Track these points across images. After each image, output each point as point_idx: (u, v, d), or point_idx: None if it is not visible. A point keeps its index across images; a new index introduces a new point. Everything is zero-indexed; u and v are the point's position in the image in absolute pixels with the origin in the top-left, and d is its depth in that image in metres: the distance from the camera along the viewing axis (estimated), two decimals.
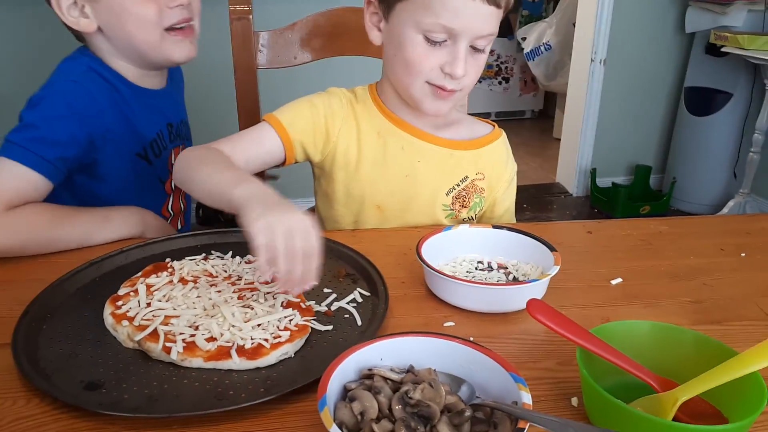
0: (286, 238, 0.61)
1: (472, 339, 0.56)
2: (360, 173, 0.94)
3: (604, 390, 0.47)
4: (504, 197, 1.02)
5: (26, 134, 0.87)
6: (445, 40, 0.83)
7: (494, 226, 0.78)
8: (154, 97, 1.03)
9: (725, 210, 2.85)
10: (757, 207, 2.93)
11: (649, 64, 3.20)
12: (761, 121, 2.91)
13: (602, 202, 3.10)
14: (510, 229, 0.77)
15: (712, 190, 3.07)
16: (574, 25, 3.49)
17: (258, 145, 0.91)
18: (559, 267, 0.67)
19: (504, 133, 1.03)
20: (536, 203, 3.17)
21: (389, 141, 0.95)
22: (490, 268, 0.76)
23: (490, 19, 0.82)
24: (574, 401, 0.54)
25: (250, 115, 1.20)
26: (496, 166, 1.00)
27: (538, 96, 4.81)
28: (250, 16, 1.17)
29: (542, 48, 4.10)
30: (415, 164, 0.94)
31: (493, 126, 1.03)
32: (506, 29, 4.62)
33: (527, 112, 4.87)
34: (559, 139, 3.64)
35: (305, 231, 0.63)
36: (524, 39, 4.27)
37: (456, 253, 0.77)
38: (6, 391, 0.55)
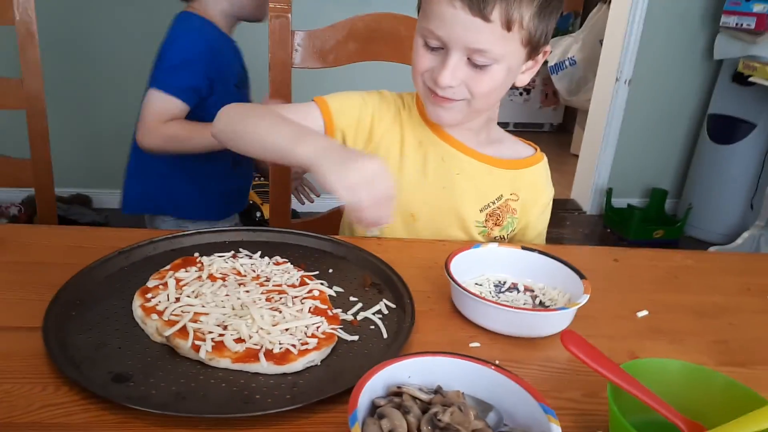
0: (368, 190, 0.69)
1: (497, 362, 0.56)
2: (399, 179, 0.93)
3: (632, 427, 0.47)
4: (537, 222, 1.02)
5: (166, 71, 1.31)
6: (441, 48, 0.83)
7: (524, 248, 0.78)
8: (233, 44, 1.46)
9: (739, 241, 2.84)
10: None
11: (674, 88, 3.19)
12: None
13: (615, 223, 3.09)
14: (539, 252, 0.77)
15: (728, 220, 3.05)
16: (600, 42, 3.49)
17: (301, 119, 0.89)
18: (588, 296, 0.67)
19: (545, 158, 1.03)
20: (551, 218, 3.16)
21: (430, 151, 0.95)
22: (516, 290, 0.76)
23: (483, 32, 0.79)
24: None
25: None
26: (532, 190, 1.00)
27: (558, 110, 4.80)
28: (289, 15, 1.18)
29: (567, 63, 4.09)
30: (453, 177, 0.95)
31: (536, 149, 1.03)
32: None
33: (546, 125, 4.87)
34: (576, 155, 3.63)
35: (382, 176, 0.70)
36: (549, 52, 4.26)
37: (483, 271, 0.77)
38: (36, 376, 0.56)
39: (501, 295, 0.75)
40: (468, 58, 0.82)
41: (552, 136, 4.76)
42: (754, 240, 2.85)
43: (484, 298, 0.66)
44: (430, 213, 0.95)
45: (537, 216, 1.02)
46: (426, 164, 0.95)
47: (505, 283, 0.77)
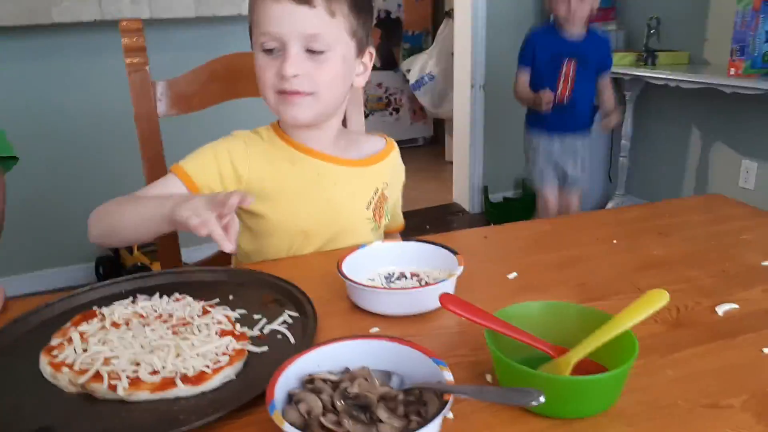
0: (204, 199, 0.79)
1: (390, 336, 0.63)
2: (281, 204, 0.99)
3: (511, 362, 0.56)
4: (395, 193, 1.14)
5: None
6: (278, 49, 0.91)
7: (404, 240, 0.87)
8: None
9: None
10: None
11: None
12: (626, 128, 3.25)
13: (496, 217, 3.30)
14: (418, 240, 0.86)
15: (592, 194, 3.36)
16: (452, 55, 3.75)
17: (165, 192, 0.95)
18: (463, 267, 0.77)
19: (394, 142, 1.14)
20: (437, 223, 3.32)
21: (304, 168, 1.01)
22: (405, 277, 0.84)
23: (311, 18, 0.89)
24: (488, 377, 0.63)
25: (154, 164, 1.22)
26: (394, 173, 1.12)
27: (428, 123, 5.05)
28: (147, 67, 1.21)
29: (426, 78, 4.34)
30: (332, 187, 1.02)
31: (385, 138, 1.14)
32: (391, 62, 4.85)
33: (419, 139, 5.10)
34: (451, 162, 3.85)
35: (216, 196, 0.79)
36: (409, 71, 4.50)
37: (373, 267, 0.85)
38: None
39: (391, 284, 0.83)
40: (306, 50, 0.91)
41: (426, 148, 5.00)
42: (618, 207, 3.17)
43: (374, 287, 0.74)
44: (322, 227, 1.01)
45: (397, 190, 1.14)
46: (304, 182, 1.01)
47: (393, 274, 0.85)
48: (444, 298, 0.63)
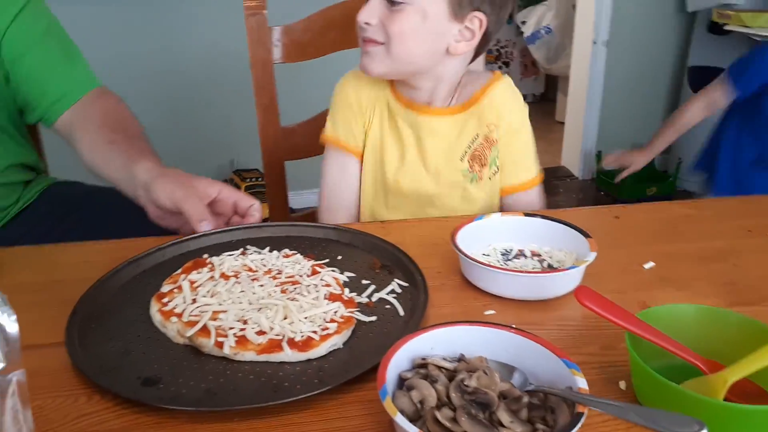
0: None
1: (513, 326, 0.58)
2: (384, 158, 1.02)
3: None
4: (519, 143, 1.00)
5: None
6: None
7: (526, 214, 0.79)
8: None
9: None
10: None
11: (651, 45, 3.20)
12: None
13: (608, 185, 3.11)
14: (542, 216, 0.78)
15: None
16: (574, 7, 3.49)
17: (348, 180, 1.05)
18: (596, 253, 0.69)
19: (506, 77, 1.00)
20: (543, 186, 3.17)
21: (399, 120, 1.00)
22: (524, 256, 0.77)
23: None
24: (622, 385, 0.55)
25: (268, 110, 1.21)
26: (505, 110, 0.97)
27: (539, 79, 4.81)
28: (265, 11, 1.18)
29: (542, 31, 4.10)
30: (425, 140, 0.99)
31: (491, 73, 1.00)
32: None
33: (529, 96, 4.87)
34: (563, 123, 3.65)
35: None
36: (524, 23, 4.26)
37: (489, 242, 0.79)
38: (66, 389, 0.57)
39: (509, 262, 0.76)
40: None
41: (536, 105, 4.77)
42: None
43: (494, 266, 0.67)
44: (413, 183, 1.00)
45: (510, 134, 0.99)
46: (401, 135, 1.00)
47: (511, 250, 0.78)
48: (581, 292, 0.55)
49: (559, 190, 3.18)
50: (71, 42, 1.08)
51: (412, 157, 1.00)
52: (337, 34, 1.24)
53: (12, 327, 0.41)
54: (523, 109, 1.00)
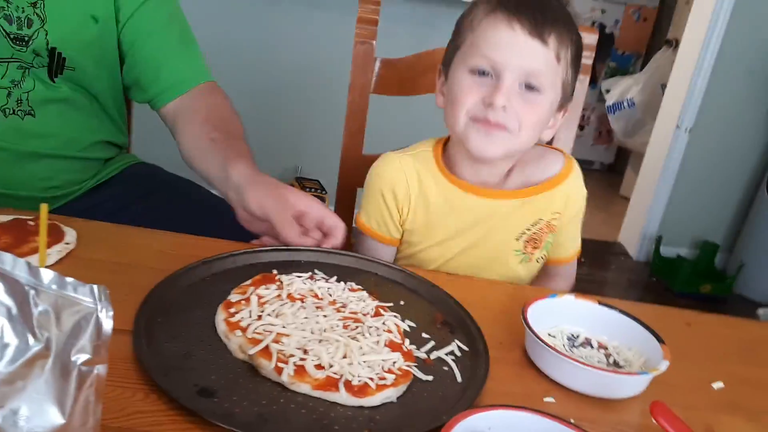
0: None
1: (572, 421, 0.56)
2: (426, 236, 0.98)
3: None
4: (570, 225, 1.01)
5: None
6: (491, 74, 0.86)
7: (600, 303, 0.77)
8: None
9: None
10: None
11: (735, 141, 3.12)
12: None
13: (662, 272, 3.02)
14: (618, 310, 0.76)
15: None
16: (662, 87, 3.44)
17: (384, 256, 0.99)
18: (668, 363, 0.66)
19: (575, 163, 1.00)
20: (594, 258, 3.11)
21: (459, 210, 0.96)
22: (590, 346, 0.75)
23: (537, 55, 0.85)
24: None
25: (354, 135, 1.22)
26: (570, 202, 0.98)
27: (611, 150, 4.73)
28: (374, 42, 1.20)
29: (625, 103, 4.04)
30: (486, 221, 0.96)
31: (563, 155, 1.00)
32: (591, 77, 4.58)
33: (597, 163, 4.80)
34: (626, 198, 3.58)
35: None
36: (608, 91, 4.22)
37: (557, 322, 0.77)
38: (126, 380, 0.58)
39: (574, 349, 0.74)
40: (520, 85, 0.85)
41: (602, 175, 4.69)
42: None
43: (563, 353, 0.66)
44: (465, 257, 0.98)
45: (570, 220, 1.00)
46: (456, 223, 0.97)
47: (578, 336, 0.76)
48: (657, 408, 0.53)
49: (611, 267, 3.11)
50: (190, 32, 1.11)
51: (462, 239, 0.97)
52: (432, 78, 1.25)
53: (107, 324, 0.42)
54: (585, 196, 1.01)
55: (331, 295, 0.76)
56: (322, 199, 2.70)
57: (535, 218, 0.96)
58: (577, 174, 0.99)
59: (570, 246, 1.03)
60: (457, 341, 0.72)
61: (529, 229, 0.97)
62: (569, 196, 0.98)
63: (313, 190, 2.77)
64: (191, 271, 0.76)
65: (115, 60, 1.07)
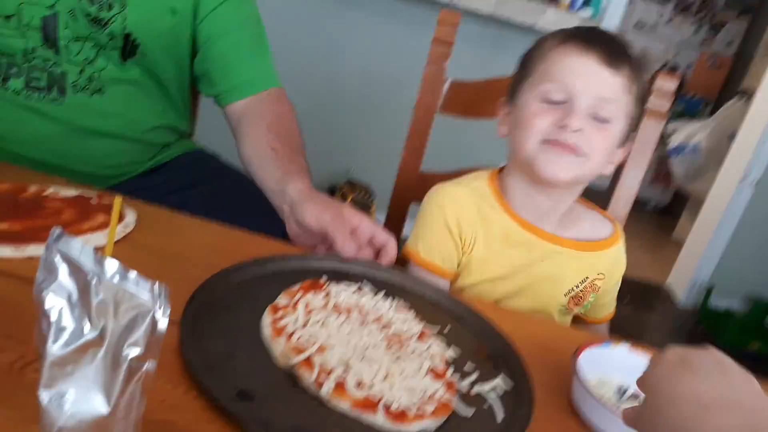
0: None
1: None
2: (486, 273, 0.97)
3: None
4: (610, 289, 1.03)
5: None
6: (564, 102, 0.86)
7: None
8: None
9: None
10: None
11: None
12: None
13: (710, 323, 2.91)
14: None
15: None
16: (729, 137, 3.33)
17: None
18: None
19: (622, 231, 1.03)
20: (639, 300, 3.02)
21: (516, 246, 0.95)
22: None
23: (609, 83, 0.86)
24: None
25: (414, 153, 1.21)
26: (614, 266, 1.01)
27: (667, 192, 4.62)
28: (446, 63, 1.18)
29: (689, 148, 3.93)
30: (539, 264, 0.96)
31: (613, 223, 1.02)
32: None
33: (651, 203, 4.69)
34: (678, 242, 3.47)
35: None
36: (672, 133, 4.11)
37: (606, 371, 0.74)
38: (169, 372, 0.57)
39: (622, 401, 0.71)
40: (590, 115, 0.86)
41: (655, 215, 4.58)
42: None
43: (611, 410, 0.63)
44: (514, 299, 0.97)
45: (613, 285, 1.03)
46: (512, 260, 0.96)
47: (627, 389, 0.73)
48: None
49: (656, 310, 3.02)
50: (265, 37, 1.12)
51: (512, 281, 0.97)
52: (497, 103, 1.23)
53: (162, 323, 0.42)
54: (625, 259, 1.03)
55: (377, 311, 0.75)
56: (369, 204, 2.70)
57: (583, 275, 0.97)
58: (623, 242, 1.02)
59: (608, 308, 1.06)
60: (501, 377, 0.70)
61: (577, 286, 0.98)
62: (617, 261, 1.01)
63: (361, 193, 2.77)
64: (242, 269, 0.76)
65: (186, 51, 1.09)
